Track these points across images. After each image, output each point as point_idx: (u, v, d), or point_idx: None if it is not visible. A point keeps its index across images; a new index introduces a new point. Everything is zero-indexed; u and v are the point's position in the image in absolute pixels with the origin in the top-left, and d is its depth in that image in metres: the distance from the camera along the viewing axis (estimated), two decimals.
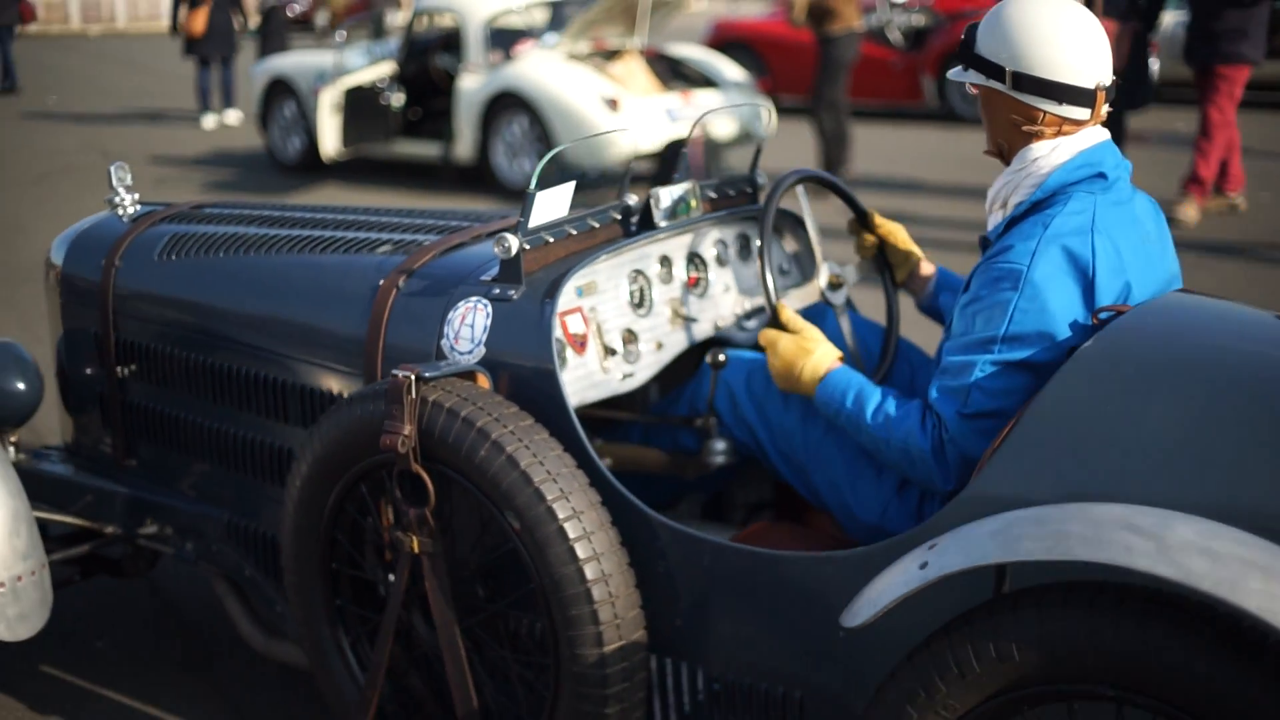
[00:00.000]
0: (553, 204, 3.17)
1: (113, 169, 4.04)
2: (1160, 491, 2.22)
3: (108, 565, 4.07)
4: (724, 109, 3.94)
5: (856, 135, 11.22)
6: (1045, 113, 2.70)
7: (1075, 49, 2.65)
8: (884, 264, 3.49)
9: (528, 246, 3.07)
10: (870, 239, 3.47)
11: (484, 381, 2.92)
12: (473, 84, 11.12)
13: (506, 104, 10.89)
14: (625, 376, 3.24)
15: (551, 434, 2.79)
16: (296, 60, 12.85)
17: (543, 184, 3.08)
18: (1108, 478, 2.29)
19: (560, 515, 2.66)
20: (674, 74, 11.37)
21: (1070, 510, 2.18)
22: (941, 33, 14.68)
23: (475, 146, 11.17)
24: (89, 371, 3.95)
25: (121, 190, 4.03)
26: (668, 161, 10.02)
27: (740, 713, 2.79)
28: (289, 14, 24.38)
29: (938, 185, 10.73)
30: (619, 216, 3.39)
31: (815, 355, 2.94)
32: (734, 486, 3.60)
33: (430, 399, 2.77)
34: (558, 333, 3.05)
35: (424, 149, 11.63)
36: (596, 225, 3.32)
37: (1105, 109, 2.72)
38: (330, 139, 11.34)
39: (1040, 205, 2.71)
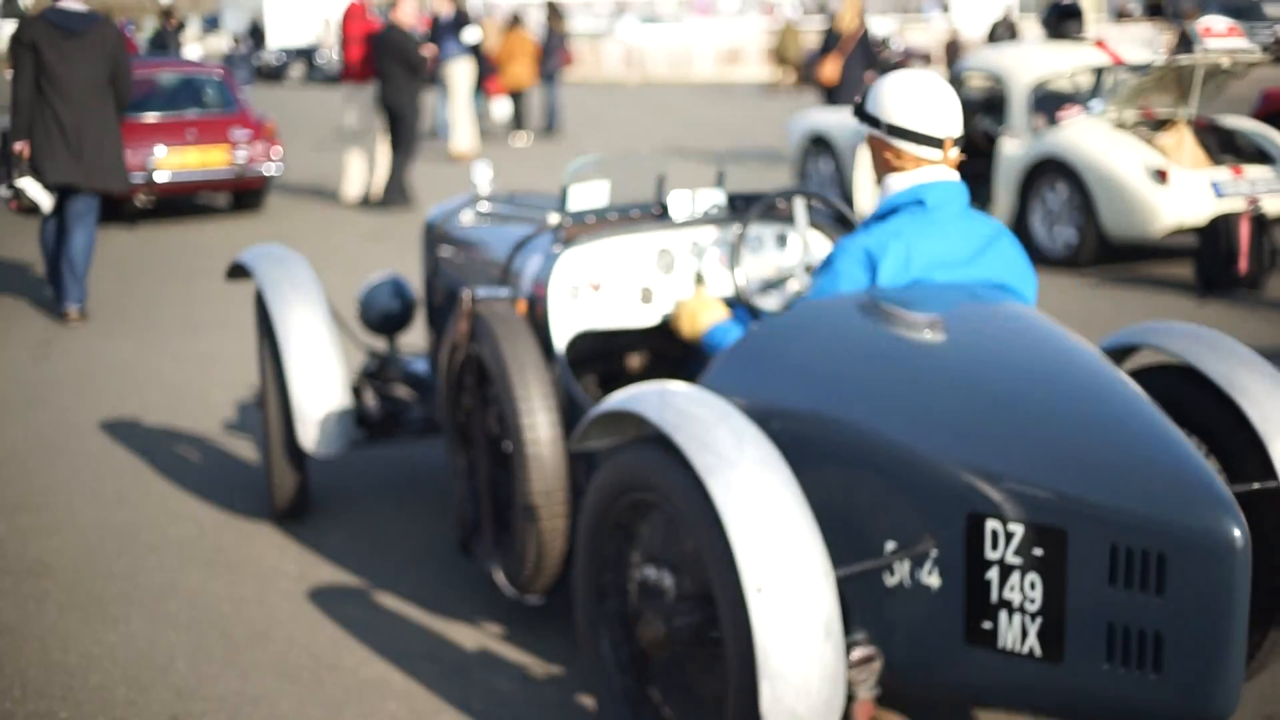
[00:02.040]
0: (591, 196, 4.88)
1: (476, 166, 5.63)
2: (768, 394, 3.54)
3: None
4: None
5: None
6: (905, 152, 3.81)
7: (930, 110, 3.76)
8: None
9: (569, 221, 4.76)
10: None
11: (521, 305, 4.63)
12: (1014, 148, 11.06)
13: (1048, 170, 10.78)
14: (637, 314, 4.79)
15: (540, 343, 4.54)
16: (836, 117, 13.08)
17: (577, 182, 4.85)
18: (741, 379, 3.61)
19: (517, 394, 4.21)
20: (1224, 146, 10.97)
21: (666, 387, 3.43)
22: None
23: (1013, 211, 11.10)
24: (430, 302, 5.85)
25: (479, 181, 5.61)
26: (1210, 236, 9.70)
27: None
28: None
29: None
30: (655, 213, 4.91)
31: (703, 314, 4.47)
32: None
33: (479, 311, 4.42)
34: (567, 276, 4.63)
35: None
36: (634, 215, 4.89)
37: (954, 153, 3.82)
38: (865, 196, 11.51)
39: (878, 216, 3.86)
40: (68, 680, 4.35)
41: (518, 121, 22.66)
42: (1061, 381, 3.20)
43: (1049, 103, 11.27)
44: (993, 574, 3.07)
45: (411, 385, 5.84)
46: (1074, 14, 11.86)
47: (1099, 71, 11.49)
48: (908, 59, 26.95)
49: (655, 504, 3.42)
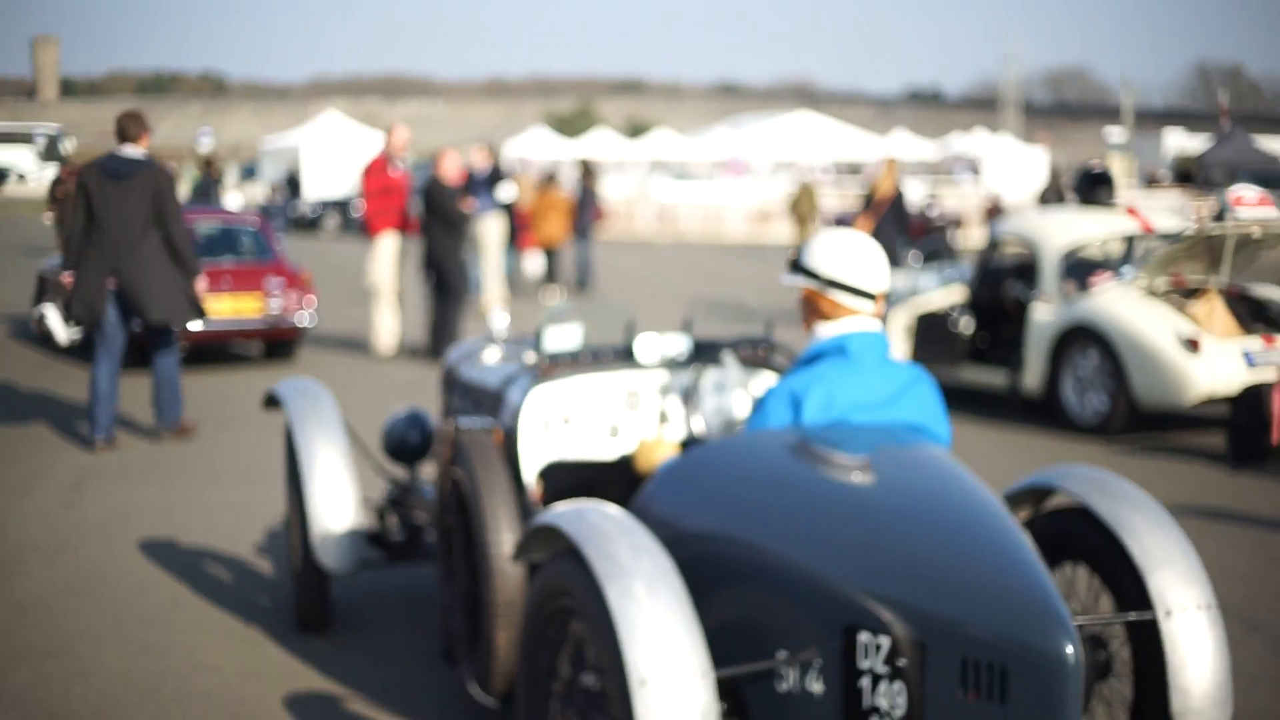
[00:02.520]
0: (565, 338, 5.37)
1: (493, 312, 6.09)
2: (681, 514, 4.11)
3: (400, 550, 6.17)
4: None
5: None
6: (838, 303, 4.29)
7: (865, 266, 4.27)
8: None
9: (545, 360, 5.21)
10: None
11: (498, 434, 5.07)
12: (1045, 314, 11.09)
13: (1079, 337, 10.80)
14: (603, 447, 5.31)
15: (507, 465, 5.02)
16: None
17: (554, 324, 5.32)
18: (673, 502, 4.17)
19: (486, 513, 4.71)
20: (1255, 315, 10.98)
21: (585, 506, 3.91)
22: None
23: (1044, 378, 11.10)
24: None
25: (494, 325, 6.04)
26: (1241, 406, 9.67)
27: None
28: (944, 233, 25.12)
29: None
30: (626, 355, 5.31)
31: (656, 453, 4.91)
32: None
33: (459, 439, 4.95)
34: (538, 409, 5.17)
35: (991, 376, 11.65)
36: (605, 356, 5.31)
37: (884, 305, 4.39)
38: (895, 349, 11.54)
39: (805, 361, 4.31)
40: None
41: (550, 277, 22.86)
42: (944, 514, 3.65)
43: (1080, 269, 11.31)
44: (865, 682, 3.49)
45: (430, 511, 6.10)
46: (1105, 181, 11.96)
47: (1130, 239, 11.55)
48: (947, 225, 27.21)
49: (574, 609, 3.80)
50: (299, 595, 6.20)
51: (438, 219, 14.69)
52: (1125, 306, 10.57)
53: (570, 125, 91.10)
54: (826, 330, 4.30)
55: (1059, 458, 9.89)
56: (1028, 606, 3.28)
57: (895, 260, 13.50)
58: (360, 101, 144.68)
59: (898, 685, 3.43)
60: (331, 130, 53.75)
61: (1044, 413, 11.23)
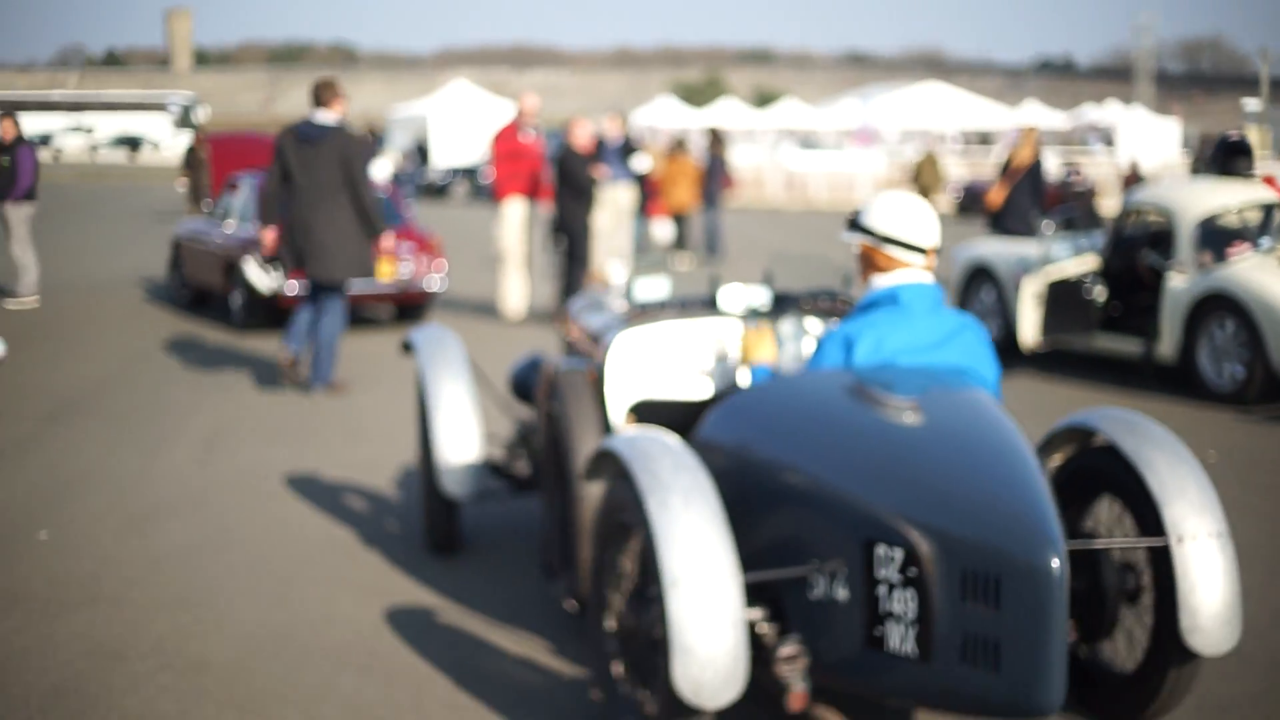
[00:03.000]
0: (654, 289, 6.02)
1: (612, 265, 6.97)
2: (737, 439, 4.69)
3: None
4: None
5: None
6: (892, 257, 4.76)
7: (918, 224, 4.76)
8: None
9: (635, 309, 5.85)
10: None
11: (591, 374, 5.59)
12: (1181, 283, 10.90)
13: (1215, 306, 10.60)
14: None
15: (596, 403, 5.54)
16: (998, 247, 13.01)
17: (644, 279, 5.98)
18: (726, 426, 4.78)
19: (574, 444, 5.29)
20: None
21: (639, 433, 4.44)
22: None
23: (1178, 346, 10.92)
24: None
25: (612, 281, 6.67)
26: None
27: None
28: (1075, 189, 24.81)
29: None
30: (710, 304, 5.80)
31: (758, 349, 5.30)
32: None
33: (557, 379, 5.55)
34: (623, 352, 5.64)
35: (1124, 345, 11.47)
36: (692, 306, 5.84)
37: (934, 259, 4.78)
38: (1030, 329, 11.40)
39: (861, 308, 4.81)
40: None
41: (679, 243, 22.85)
42: (969, 448, 4.11)
43: (1217, 239, 11.09)
44: (882, 590, 3.99)
45: None
46: (1243, 151, 11.69)
47: (1267, 209, 11.30)
48: (1088, 193, 26.75)
49: (629, 524, 4.32)
50: (428, 521, 6.79)
51: (569, 186, 14.77)
52: (1262, 276, 10.37)
53: (697, 95, 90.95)
54: (881, 281, 4.80)
55: (1193, 424, 9.72)
56: (1022, 526, 3.77)
57: (1030, 230, 13.31)
58: (488, 71, 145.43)
59: (910, 592, 3.92)
60: (460, 99, 54.13)
61: (1178, 381, 11.04)
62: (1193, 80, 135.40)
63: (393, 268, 14.28)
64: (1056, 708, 3.71)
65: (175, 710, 4.89)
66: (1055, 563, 3.66)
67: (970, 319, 4.82)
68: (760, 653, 4.20)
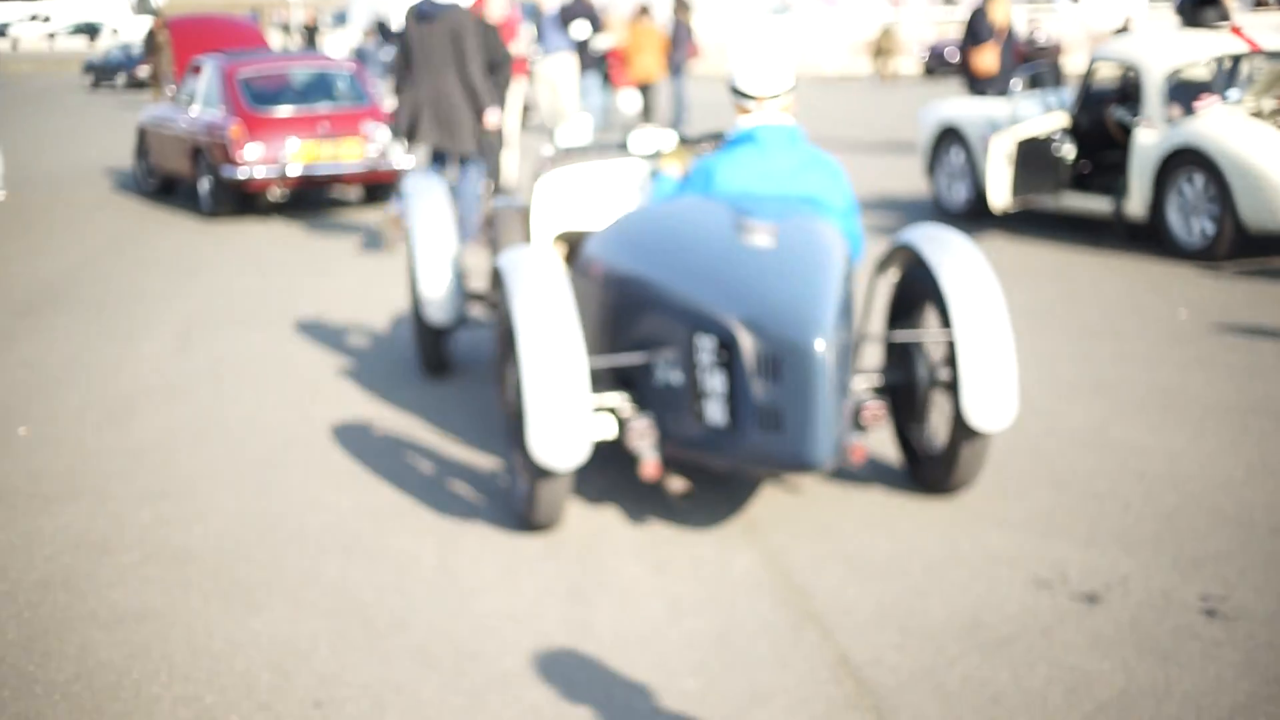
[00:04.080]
0: (576, 136, 6.85)
1: (578, 119, 7.28)
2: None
3: None
4: None
5: None
6: (741, 105, 5.88)
7: (753, 75, 5.83)
8: None
9: (559, 152, 6.94)
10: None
11: (522, 211, 7.11)
12: (1149, 138, 10.88)
13: (1184, 160, 10.58)
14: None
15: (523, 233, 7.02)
16: (966, 108, 12.96)
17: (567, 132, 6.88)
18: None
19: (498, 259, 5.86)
20: None
21: (523, 250, 5.55)
22: None
23: (1147, 203, 10.92)
24: None
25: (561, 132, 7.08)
26: None
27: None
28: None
29: None
30: (623, 148, 6.84)
31: (668, 162, 6.64)
32: None
33: (494, 214, 7.26)
34: (547, 189, 6.89)
35: (1094, 204, 11.48)
36: (608, 149, 6.93)
37: (773, 103, 5.83)
38: (999, 190, 11.38)
39: (725, 145, 5.92)
40: (213, 665, 4.44)
41: (647, 115, 22.67)
42: (787, 257, 5.11)
43: (1185, 92, 11.06)
44: (701, 372, 5.05)
45: None
46: (1211, 1, 11.62)
47: (1236, 60, 11.25)
48: (1054, 49, 26.50)
49: (510, 328, 5.33)
50: (419, 347, 7.74)
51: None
52: (1231, 128, 10.34)
53: None
54: (742, 123, 5.92)
55: (1163, 281, 9.78)
56: (798, 316, 4.81)
57: (1008, 89, 13.12)
58: None
59: (722, 373, 4.98)
60: None
61: (1149, 238, 11.07)
62: None
63: (361, 147, 14.18)
64: (824, 462, 4.81)
65: (163, 602, 4.94)
66: (819, 344, 4.71)
67: (825, 156, 5.89)
68: (621, 430, 5.37)
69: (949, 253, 5.47)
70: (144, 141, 16.45)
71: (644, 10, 22.44)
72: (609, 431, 5.41)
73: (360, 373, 8.04)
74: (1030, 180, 11.44)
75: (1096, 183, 11.59)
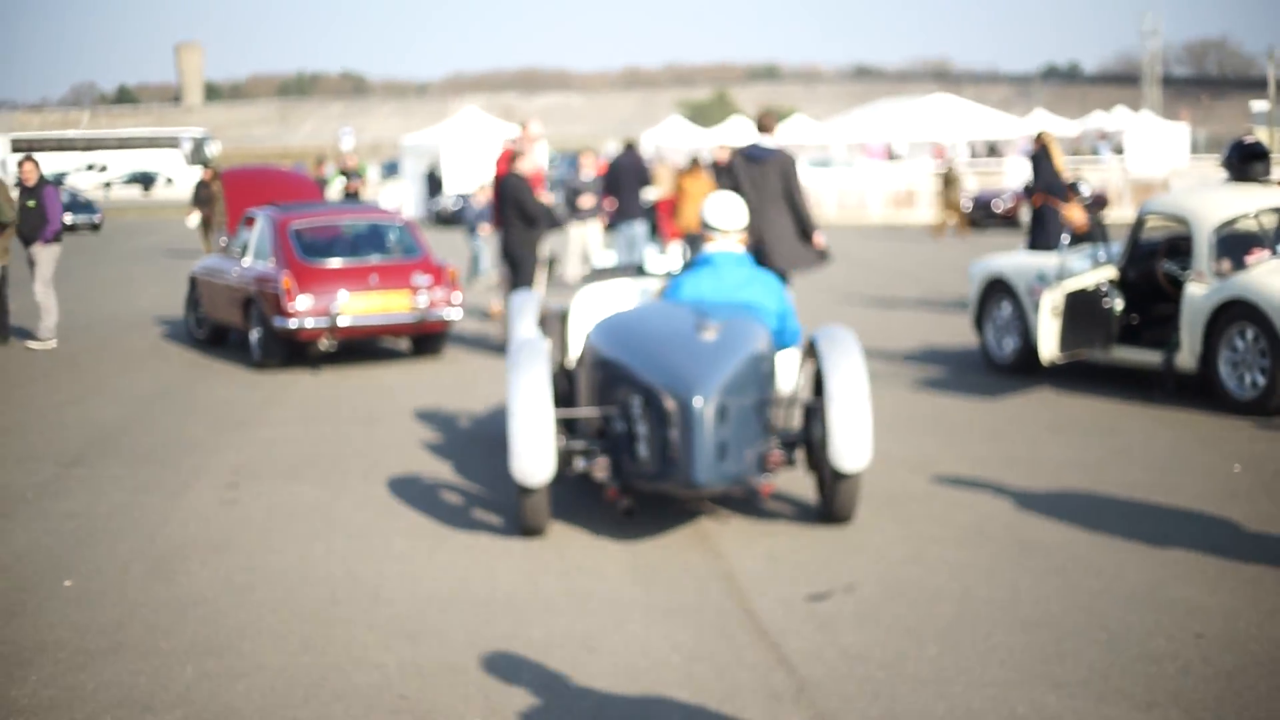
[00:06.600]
0: (608, 259, 9.98)
1: (606, 254, 9.98)
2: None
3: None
4: None
5: None
6: (708, 235, 8.44)
7: (720, 214, 8.43)
8: None
9: (594, 271, 9.72)
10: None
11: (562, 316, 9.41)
12: (1199, 292, 10.85)
13: (1235, 314, 10.54)
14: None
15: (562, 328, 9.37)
16: (1016, 260, 12.96)
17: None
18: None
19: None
20: None
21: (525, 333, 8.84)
22: None
23: (1198, 356, 10.85)
24: None
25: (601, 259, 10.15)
26: None
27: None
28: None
29: None
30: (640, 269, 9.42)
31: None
32: None
33: (545, 314, 9.42)
34: (582, 299, 9.27)
35: (1144, 356, 11.41)
36: (629, 270, 9.45)
37: (732, 235, 8.43)
38: (1048, 342, 11.33)
39: (690, 266, 8.55)
40: None
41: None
42: (714, 344, 7.34)
43: (1235, 245, 11.03)
44: (635, 423, 7.27)
45: None
46: (1259, 155, 11.63)
47: None
48: (1098, 202, 26.62)
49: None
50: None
51: (514, 212, 14.44)
52: None
53: (706, 114, 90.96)
54: (706, 249, 8.39)
55: (1215, 435, 9.69)
56: (690, 383, 7.07)
57: (1057, 243, 13.12)
58: (498, 96, 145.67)
59: (652, 423, 7.18)
60: (470, 126, 54.11)
61: (1199, 391, 10.98)
62: (1199, 83, 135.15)
63: (410, 299, 14.28)
64: (707, 485, 7.00)
65: None
66: (698, 400, 6.99)
67: (762, 272, 8.43)
68: (589, 465, 7.47)
69: (835, 347, 7.64)
70: (195, 291, 16.62)
71: (695, 161, 22.63)
72: (580, 465, 7.50)
73: (408, 526, 8.00)
74: (1079, 333, 11.38)
75: (1145, 336, 11.53)
